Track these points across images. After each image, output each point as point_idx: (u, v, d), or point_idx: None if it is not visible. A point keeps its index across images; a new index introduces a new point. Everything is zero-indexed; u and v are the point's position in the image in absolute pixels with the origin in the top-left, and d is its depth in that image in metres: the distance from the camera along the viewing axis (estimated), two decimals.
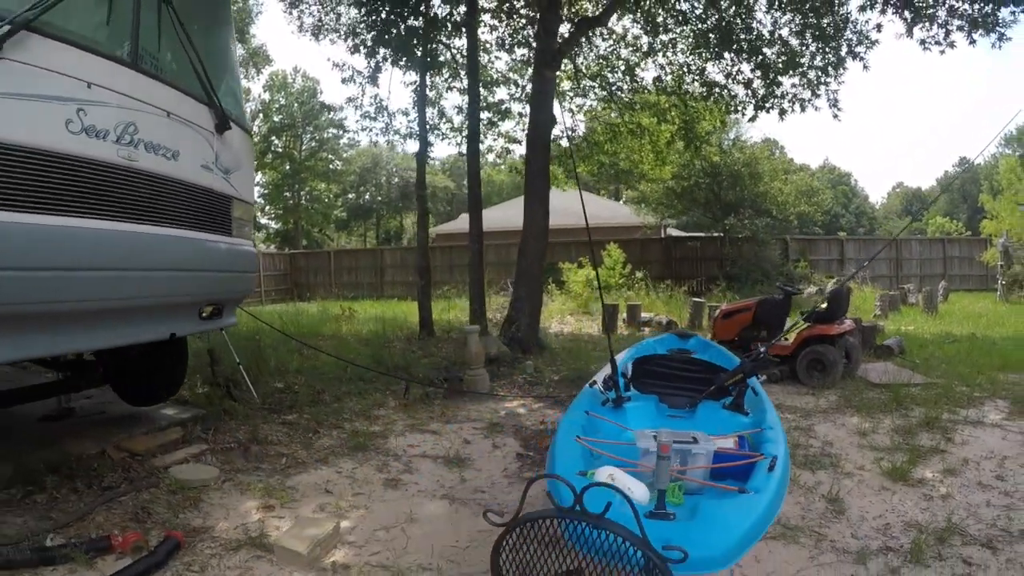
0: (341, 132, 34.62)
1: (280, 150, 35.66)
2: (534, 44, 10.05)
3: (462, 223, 21.87)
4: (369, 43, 9.44)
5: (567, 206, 25.87)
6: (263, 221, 39.41)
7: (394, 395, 6.28)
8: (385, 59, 9.63)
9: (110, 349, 4.51)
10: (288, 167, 35.55)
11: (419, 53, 9.66)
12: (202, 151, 3.69)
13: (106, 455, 3.93)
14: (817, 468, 4.05)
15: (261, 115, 34.88)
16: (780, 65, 9.46)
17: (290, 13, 10.85)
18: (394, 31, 8.95)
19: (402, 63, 9.76)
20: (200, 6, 4.07)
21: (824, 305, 7.41)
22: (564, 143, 12.65)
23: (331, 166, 38.84)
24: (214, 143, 3.80)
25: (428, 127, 12.52)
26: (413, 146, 11.51)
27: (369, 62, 9.66)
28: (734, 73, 9.97)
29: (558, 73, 11.97)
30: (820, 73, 9.51)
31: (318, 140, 36.88)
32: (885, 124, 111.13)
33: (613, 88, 11.63)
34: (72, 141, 2.80)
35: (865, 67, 9.39)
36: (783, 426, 3.17)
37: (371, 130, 14.00)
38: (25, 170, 2.61)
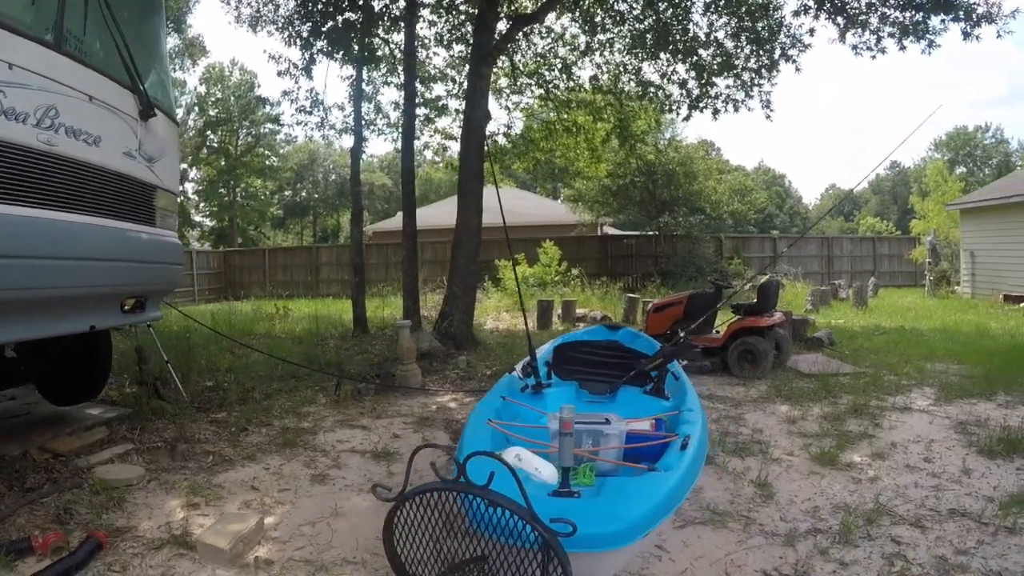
0: (278, 127, 33.66)
1: (216, 145, 34.37)
2: (471, 40, 10.05)
3: (399, 221, 21.61)
4: (304, 35, 9.23)
5: (490, 202, 25.94)
6: (197, 219, 37.83)
7: (325, 392, 6.20)
8: (320, 52, 9.44)
9: (31, 346, 4.35)
10: (224, 163, 34.31)
11: (356, 47, 9.52)
12: (125, 138, 3.56)
13: (29, 456, 3.76)
14: (747, 455, 4.11)
15: (197, 108, 33.52)
16: (715, 66, 9.71)
17: (227, 3, 10.50)
18: (329, 23, 8.79)
19: (338, 56, 9.60)
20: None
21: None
22: (501, 139, 12.76)
23: (268, 162, 37.72)
24: (138, 130, 3.68)
25: (364, 122, 12.39)
26: (349, 141, 11.29)
27: (304, 54, 9.46)
28: (669, 73, 10.21)
29: (496, 70, 12.05)
30: (754, 75, 9.78)
31: (255, 135, 35.73)
32: (819, 126, 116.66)
33: (550, 86, 11.75)
34: None
35: (797, 70, 9.72)
36: (704, 409, 3.30)
37: (306, 124, 13.60)
38: None
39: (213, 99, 34.13)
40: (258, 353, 7.45)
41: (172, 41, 16.94)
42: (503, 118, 17.61)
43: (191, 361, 7.10)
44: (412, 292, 10.44)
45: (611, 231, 23.69)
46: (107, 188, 3.41)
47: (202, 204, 36.75)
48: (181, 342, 7.77)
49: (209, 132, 34.17)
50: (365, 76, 11.38)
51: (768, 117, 10.12)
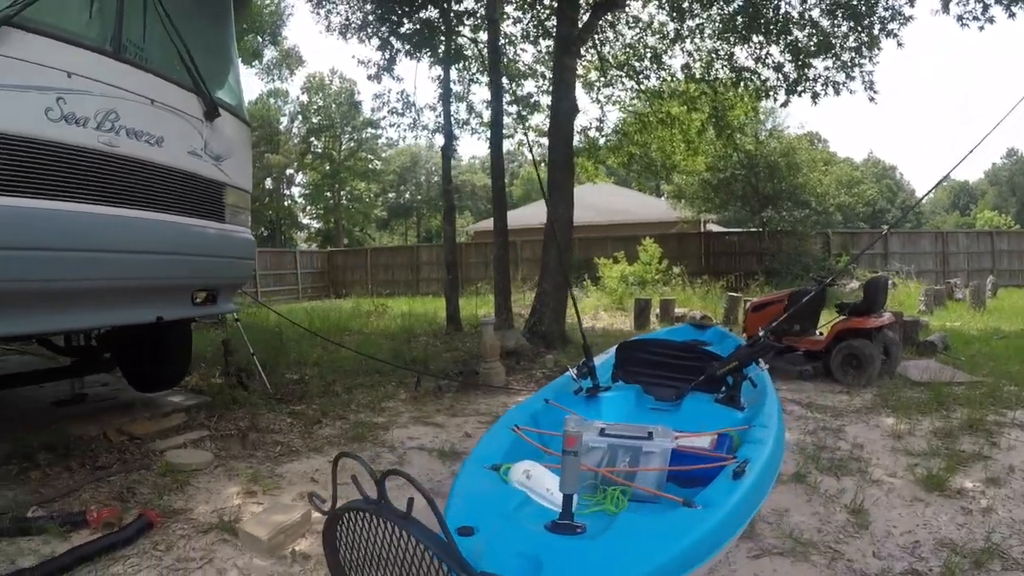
0: (379, 131, 35.09)
1: (320, 150, 36.35)
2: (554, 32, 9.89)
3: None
4: (383, 35, 9.43)
5: (602, 201, 25.68)
6: (304, 221, 40.29)
7: (407, 388, 6.24)
8: (400, 52, 9.62)
9: (117, 336, 4.65)
10: (328, 167, 36.20)
11: (440, 47, 9.63)
12: (190, 138, 3.69)
13: (106, 437, 4.01)
14: (843, 474, 3.67)
15: (300, 116, 35.65)
16: (812, 47, 9.05)
17: (317, 13, 10.96)
18: (406, 22, 8.93)
19: (422, 55, 9.74)
20: (203, 4, 4.15)
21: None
22: (592, 133, 12.48)
23: (370, 166, 39.38)
24: (203, 130, 3.81)
25: (456, 122, 12.55)
26: (442, 142, 11.45)
27: (384, 55, 9.66)
28: (763, 57, 9.61)
29: (585, 63, 11.81)
30: (853, 54, 9.05)
31: (357, 140, 37.43)
32: (931, 116, 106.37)
33: (640, 77, 11.36)
34: (51, 128, 2.87)
35: (899, 44, 8.91)
36: (784, 424, 2.84)
37: (399, 126, 14.05)
38: (7, 156, 2.71)
39: (315, 107, 36.08)
40: (347, 349, 7.66)
41: (269, 53, 18.02)
42: (595, 112, 17.32)
43: (281, 355, 7.41)
44: (503, 290, 10.42)
45: (715, 228, 22.72)
46: (171, 186, 3.55)
47: (308, 207, 38.97)
48: (273, 337, 8.15)
49: (313, 138, 36.17)
50: (454, 76, 11.51)
51: (872, 99, 9.31)
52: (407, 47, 9.50)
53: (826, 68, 9.35)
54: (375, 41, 9.93)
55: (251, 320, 9.70)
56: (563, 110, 8.84)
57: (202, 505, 3.22)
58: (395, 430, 4.78)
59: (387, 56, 9.82)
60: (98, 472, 3.52)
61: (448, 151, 11.57)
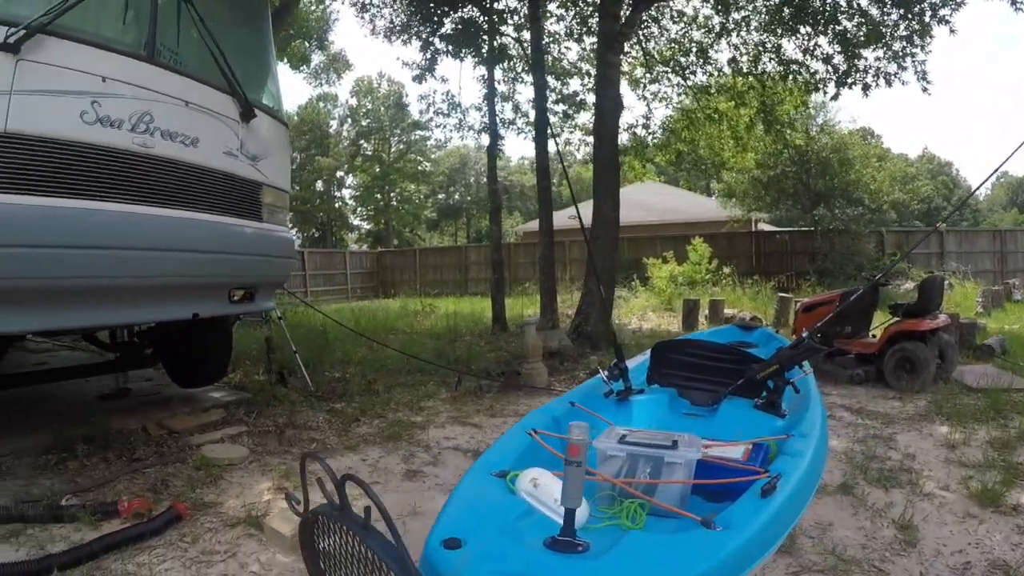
0: (428, 133, 35.53)
1: (369, 153, 37.05)
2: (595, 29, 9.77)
3: (552, 221, 21.83)
4: (424, 35, 9.49)
5: (652, 200, 25.29)
6: (355, 222, 41.08)
7: (448, 388, 6.24)
8: (441, 52, 9.66)
9: (158, 333, 4.80)
10: (378, 169, 36.85)
11: (484, 46, 9.63)
12: (225, 138, 3.77)
13: (145, 431, 4.13)
14: (892, 486, 3.46)
15: (349, 120, 36.41)
16: (861, 37, 8.67)
17: (362, 17, 11.13)
18: (447, 21, 8.96)
19: (463, 55, 9.76)
20: (236, 6, 4.24)
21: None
22: (639, 131, 12.28)
23: (420, 167, 39.87)
24: (239, 131, 3.88)
25: (502, 122, 12.55)
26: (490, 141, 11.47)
27: (425, 54, 9.72)
28: (811, 48, 9.27)
29: (631, 60, 11.63)
30: (905, 43, 8.64)
31: (406, 142, 37.97)
32: (985, 107, 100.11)
33: (686, 72, 11.11)
34: (86, 130, 2.98)
35: (952, 31, 8.44)
36: (826, 434, 2.60)
37: (445, 127, 14.16)
38: (42, 158, 2.83)
39: (364, 110, 36.77)
40: (390, 348, 7.73)
41: (317, 58, 18.39)
42: (641, 109, 17.06)
43: (325, 354, 7.53)
44: (549, 290, 10.39)
45: (766, 227, 22.07)
46: (207, 185, 3.63)
47: (359, 209, 39.73)
48: (318, 336, 8.30)
49: (362, 141, 36.88)
50: (499, 75, 11.52)
51: (925, 90, 8.87)
52: (449, 47, 9.53)
53: (877, 59, 8.99)
54: (417, 42, 10.01)
55: (298, 320, 9.92)
56: (607, 107, 8.73)
57: (232, 499, 3.27)
58: (432, 430, 4.77)
59: (428, 56, 9.87)
60: (134, 464, 3.63)
61: (493, 151, 11.59)
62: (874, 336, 6.52)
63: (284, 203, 4.52)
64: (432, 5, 9.08)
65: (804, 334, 2.97)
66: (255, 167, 4.05)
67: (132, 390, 5.11)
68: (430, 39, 9.43)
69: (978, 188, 3.99)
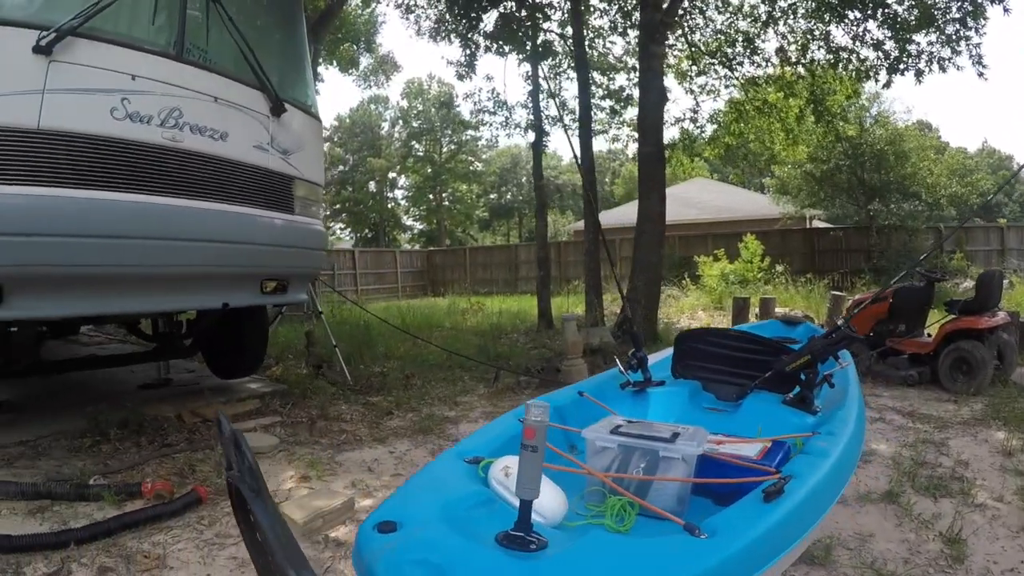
0: (478, 134, 35.68)
1: (421, 153, 37.53)
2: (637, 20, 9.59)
3: (602, 219, 21.69)
4: (463, 31, 9.52)
5: (704, 198, 24.73)
6: (408, 222, 41.66)
7: (486, 384, 6.25)
8: (478, 48, 9.67)
9: (196, 324, 4.96)
10: (430, 170, 37.30)
11: (527, 43, 9.60)
12: (255, 133, 3.86)
13: (180, 418, 4.28)
14: (941, 495, 3.24)
15: (401, 121, 36.92)
16: (912, 21, 8.24)
17: (407, 19, 11.27)
18: (485, 17, 8.96)
19: (506, 52, 9.75)
20: (270, 6, 4.35)
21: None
22: (687, 125, 12.00)
23: (471, 167, 40.13)
24: (269, 126, 3.97)
25: (548, 119, 12.49)
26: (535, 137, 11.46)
27: (465, 51, 9.75)
28: (861, 34, 8.85)
29: (676, 53, 11.39)
30: (958, 26, 8.16)
31: (457, 142, 38.29)
32: None
33: (734, 63, 10.79)
34: (116, 126, 3.12)
35: (1006, 10, 7.94)
36: (863, 434, 2.40)
37: (491, 124, 14.19)
38: (74, 153, 2.98)
39: (415, 111, 37.27)
40: (431, 344, 7.80)
41: (365, 60, 18.72)
42: (688, 102, 16.65)
43: (367, 349, 7.66)
44: (594, 287, 10.31)
45: (821, 225, 21.25)
46: (237, 178, 3.73)
47: (411, 209, 40.27)
48: (361, 332, 8.44)
49: (414, 142, 37.38)
50: (544, 72, 11.45)
51: (981, 75, 8.38)
52: (490, 44, 9.53)
53: (929, 43, 8.53)
54: (459, 40, 10.05)
55: (344, 317, 10.12)
56: (651, 100, 8.58)
57: None
58: (464, 424, 4.77)
59: (468, 53, 9.90)
60: (164, 449, 3.77)
61: (538, 147, 11.56)
62: (929, 335, 6.18)
63: (317, 196, 4.60)
64: (472, 1, 9.09)
65: (839, 322, 2.75)
66: (286, 161, 4.13)
67: (173, 380, 5.33)
68: (469, 35, 9.45)
69: (1005, 183, 3.70)
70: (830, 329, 2.71)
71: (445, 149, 38.41)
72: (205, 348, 5.20)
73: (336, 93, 61.26)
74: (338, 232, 41.73)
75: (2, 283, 2.93)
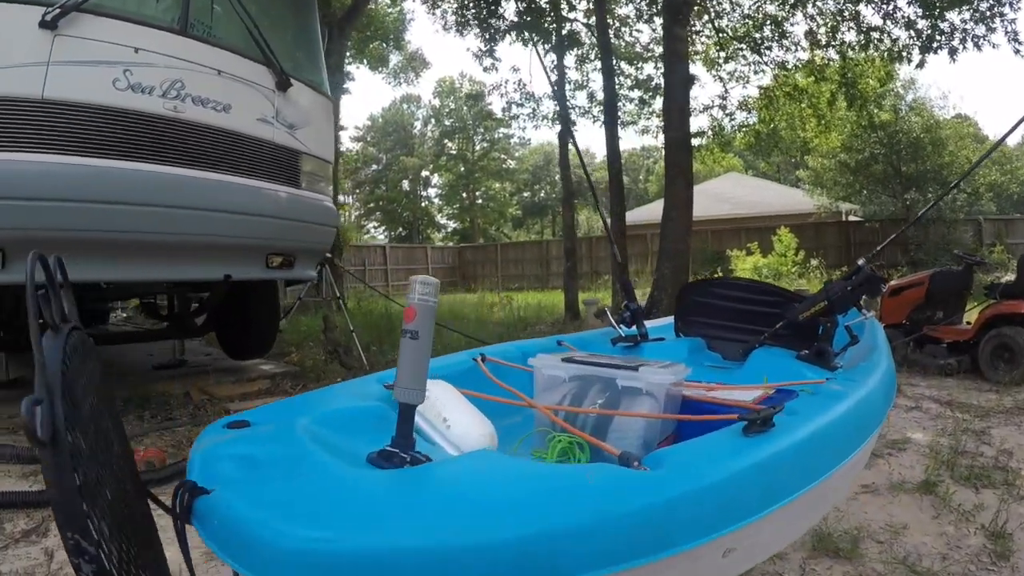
0: (511, 131, 35.63)
1: (454, 152, 37.68)
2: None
3: (637, 214, 21.48)
4: (483, 18, 9.47)
5: (736, 193, 24.22)
6: (441, 220, 41.84)
7: None
8: (498, 33, 9.60)
9: (210, 304, 5.00)
10: (462, 168, 37.42)
11: (551, 32, 9.52)
12: (259, 106, 3.86)
13: (188, 395, 4.31)
14: (983, 486, 3.03)
15: (433, 120, 37.08)
16: None
17: (434, 14, 11.28)
18: (506, 3, 8.90)
19: (532, 39, 9.67)
20: None
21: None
22: (716, 113, 11.75)
23: (504, 165, 40.13)
24: (275, 100, 3.96)
25: (576, 110, 12.42)
26: (580, 135, 11.41)
27: (484, 40, 9.70)
28: (891, 12, 8.51)
29: (704, 39, 11.16)
30: (992, 1, 7.84)
31: (489, 140, 38.31)
32: None
33: (762, 48, 10.51)
34: (118, 96, 3.17)
35: None
36: (892, 390, 1.93)
37: (519, 116, 14.17)
38: (78, 121, 3.05)
39: (447, 110, 37.42)
40: (456, 334, 7.77)
41: (395, 58, 18.87)
42: (717, 89, 16.26)
43: (387, 336, 7.65)
44: (621, 277, 10.14)
45: (856, 218, 20.58)
46: (239, 150, 3.74)
47: (444, 207, 40.44)
48: (383, 319, 8.46)
49: (446, 140, 37.54)
50: (570, 62, 11.38)
51: (1017, 52, 8.04)
52: (512, 32, 9.47)
53: (963, 20, 8.20)
54: (478, 26, 10.00)
55: (369, 308, 10.17)
56: (676, 83, 8.41)
57: None
58: None
59: (487, 39, 9.85)
60: (167, 423, 3.81)
61: (564, 138, 11.49)
62: (968, 323, 5.87)
63: (325, 172, 4.58)
64: None
65: (860, 262, 2.29)
66: (292, 135, 4.12)
67: (188, 362, 5.38)
68: (489, 20, 9.40)
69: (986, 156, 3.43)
70: (852, 270, 2.29)
71: (478, 147, 38.50)
72: (217, 328, 5.24)
73: (368, 93, 62.09)
74: (372, 230, 42.22)
75: (4, 246, 2.98)
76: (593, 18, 10.94)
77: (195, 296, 5.12)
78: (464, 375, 1.71)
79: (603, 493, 0.90)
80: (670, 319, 2.85)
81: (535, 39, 9.72)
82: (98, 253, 3.25)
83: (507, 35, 9.87)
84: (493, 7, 9.23)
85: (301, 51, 4.49)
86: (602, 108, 12.80)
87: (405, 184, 39.72)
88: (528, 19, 9.08)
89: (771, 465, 1.10)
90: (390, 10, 14.78)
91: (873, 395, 1.64)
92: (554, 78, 10.68)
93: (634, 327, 2.50)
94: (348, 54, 15.05)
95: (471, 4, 10.07)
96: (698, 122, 10.94)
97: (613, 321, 2.53)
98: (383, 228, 41.38)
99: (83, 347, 0.96)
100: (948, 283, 6.08)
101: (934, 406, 4.61)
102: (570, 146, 10.83)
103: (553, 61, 11.01)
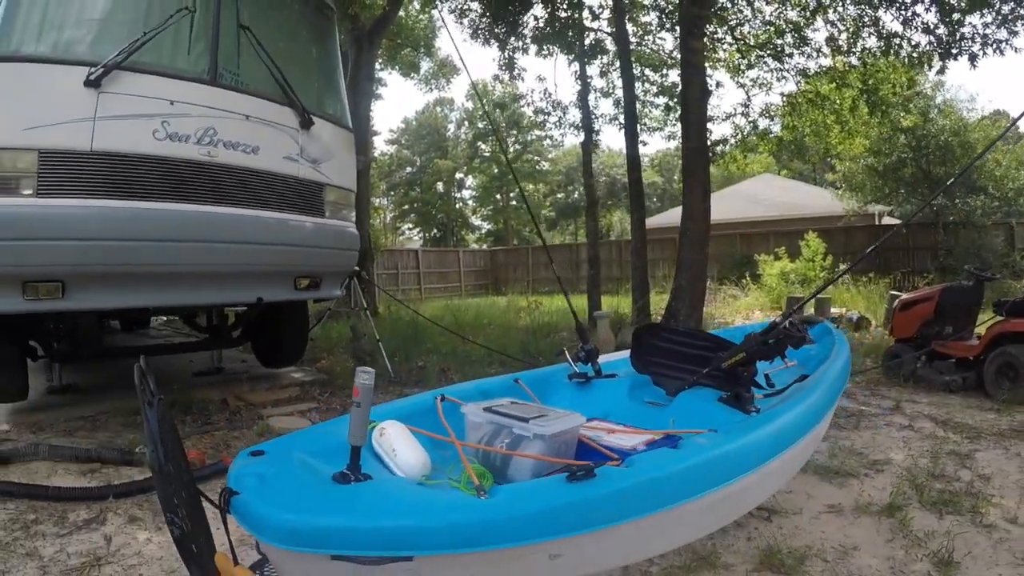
0: (543, 132, 35.74)
1: (487, 154, 38.03)
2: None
3: (668, 217, 21.49)
4: (501, 34, 9.74)
5: (767, 195, 23.97)
6: (476, 222, 42.26)
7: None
8: (517, 49, 9.87)
9: (246, 318, 5.45)
10: (495, 170, 37.75)
11: (575, 42, 9.75)
12: (284, 145, 4.26)
13: (226, 402, 4.77)
14: (948, 511, 3.00)
15: (466, 123, 37.42)
16: (963, 2, 7.82)
17: (460, 23, 11.61)
18: (522, 19, 9.15)
19: (545, 52, 9.92)
20: (305, 31, 4.79)
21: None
22: (738, 120, 11.81)
23: (537, 167, 40.30)
24: (299, 138, 4.35)
25: (603, 117, 12.64)
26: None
27: (504, 53, 9.98)
28: (910, 18, 8.47)
29: (727, 47, 11.24)
30: (1014, 3, 7.68)
31: (522, 143, 38.54)
32: None
33: (784, 55, 10.55)
34: (157, 145, 3.61)
35: None
36: (785, 442, 2.16)
37: (545, 123, 14.45)
38: (123, 169, 3.50)
39: (479, 113, 37.79)
40: (468, 340, 8.07)
41: (426, 64, 19.31)
42: (739, 96, 16.15)
43: (414, 345, 8.01)
44: (641, 285, 10.34)
45: (892, 221, 20.14)
46: (267, 186, 4.15)
47: (479, 209, 40.80)
48: (411, 328, 8.82)
49: (479, 143, 37.91)
50: (595, 71, 11.58)
51: None
52: (529, 46, 9.73)
53: (984, 24, 8.07)
54: (507, 41, 10.28)
55: (398, 315, 10.54)
56: (693, 95, 8.50)
57: None
58: None
59: (506, 56, 10.13)
60: (206, 427, 4.25)
61: (588, 146, 11.68)
62: (978, 338, 5.82)
63: (348, 201, 4.96)
64: (509, 7, 9.31)
65: (778, 318, 2.57)
66: (316, 169, 4.51)
67: (225, 369, 5.85)
68: (507, 39, 9.67)
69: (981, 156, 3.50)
70: (768, 328, 2.55)
71: (511, 149, 38.80)
72: (252, 339, 5.71)
73: (402, 96, 62.94)
74: (407, 232, 42.86)
75: (64, 279, 3.45)
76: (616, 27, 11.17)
77: (232, 310, 5.59)
78: (424, 413, 2.20)
79: (451, 508, 1.49)
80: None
81: (562, 50, 9.95)
82: (144, 283, 3.71)
83: (527, 49, 10.14)
84: (512, 26, 9.48)
85: (323, 88, 4.87)
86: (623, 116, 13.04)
87: (439, 186, 40.28)
88: (548, 31, 9.30)
89: (584, 501, 1.52)
90: (420, 17, 15.17)
91: (750, 446, 1.98)
92: (577, 88, 10.92)
93: (589, 364, 2.94)
94: (380, 61, 15.53)
95: (490, 22, 10.34)
96: (721, 129, 11.04)
97: (570, 359, 2.95)
98: (418, 230, 42.01)
99: (164, 410, 1.52)
100: (958, 298, 6.04)
101: (928, 425, 4.62)
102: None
103: (576, 71, 11.26)
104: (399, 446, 1.80)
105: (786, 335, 2.49)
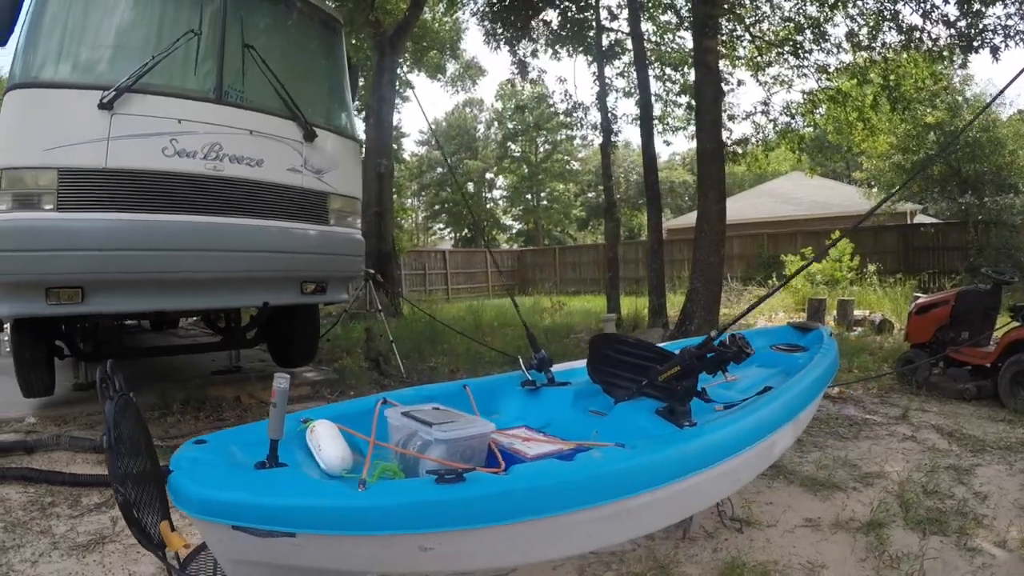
0: (574, 133, 35.68)
1: (517, 154, 38.17)
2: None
3: (685, 219, 21.32)
4: (515, 37, 9.81)
5: (798, 193, 23.53)
6: (507, 222, 42.44)
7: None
8: (536, 50, 9.92)
9: (261, 321, 5.68)
10: (526, 170, 37.86)
11: (591, 42, 9.80)
12: (288, 157, 4.45)
13: (239, 399, 5.03)
14: (933, 531, 2.84)
15: (496, 123, 37.53)
16: None
17: (482, 26, 11.74)
18: (531, 23, 9.21)
19: (569, 52, 9.98)
20: (311, 44, 4.99)
21: None
22: (759, 119, 11.69)
23: (567, 167, 40.28)
24: (302, 150, 4.53)
25: (624, 117, 12.65)
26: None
27: (513, 57, 10.06)
28: (929, 11, 8.31)
29: (746, 45, 11.13)
30: None
31: (552, 143, 38.56)
32: None
33: (804, 51, 10.39)
34: (167, 162, 3.86)
35: None
36: (691, 460, 2.11)
37: (570, 124, 14.55)
38: (136, 184, 3.77)
39: (509, 113, 37.94)
40: (478, 342, 8.18)
41: (451, 67, 19.55)
42: (760, 94, 15.91)
43: (429, 345, 8.16)
44: (658, 287, 10.31)
45: (927, 219, 19.57)
46: (272, 196, 4.35)
47: (509, 209, 40.95)
48: (427, 328, 8.98)
49: (509, 143, 38.06)
50: (613, 72, 11.59)
51: None
52: (543, 48, 9.80)
53: (1007, 15, 7.86)
54: (516, 45, 10.38)
55: (417, 316, 10.71)
56: (707, 96, 8.49)
57: None
58: None
59: (517, 60, 10.21)
60: (218, 423, 4.48)
61: (606, 147, 11.73)
62: (996, 344, 5.59)
63: (353, 208, 5.13)
64: (513, 14, 9.39)
65: (713, 333, 2.52)
66: (319, 179, 4.70)
67: (242, 368, 6.11)
68: (516, 43, 9.76)
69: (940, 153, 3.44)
70: (704, 343, 2.50)
71: (541, 149, 38.87)
72: (267, 340, 5.97)
73: (433, 98, 63.94)
74: (438, 231, 43.24)
75: (84, 286, 3.73)
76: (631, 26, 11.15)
77: (247, 312, 5.84)
78: (362, 415, 2.34)
79: (330, 495, 1.69)
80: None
81: (578, 49, 9.99)
82: (156, 288, 3.97)
83: (537, 52, 10.23)
84: (520, 30, 9.55)
85: (328, 100, 5.09)
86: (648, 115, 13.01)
87: (470, 186, 40.56)
88: (563, 33, 9.37)
89: (453, 501, 1.66)
90: (445, 19, 15.38)
91: (658, 463, 2.04)
92: (597, 89, 10.94)
93: (542, 372, 3.04)
94: (406, 64, 15.76)
95: (501, 27, 10.44)
96: (742, 128, 10.96)
97: (523, 366, 3.06)
98: (448, 230, 42.37)
99: (126, 403, 1.77)
100: (974, 302, 5.86)
101: (932, 436, 4.43)
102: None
103: (595, 72, 11.29)
104: (324, 443, 1.98)
105: (717, 351, 2.46)
